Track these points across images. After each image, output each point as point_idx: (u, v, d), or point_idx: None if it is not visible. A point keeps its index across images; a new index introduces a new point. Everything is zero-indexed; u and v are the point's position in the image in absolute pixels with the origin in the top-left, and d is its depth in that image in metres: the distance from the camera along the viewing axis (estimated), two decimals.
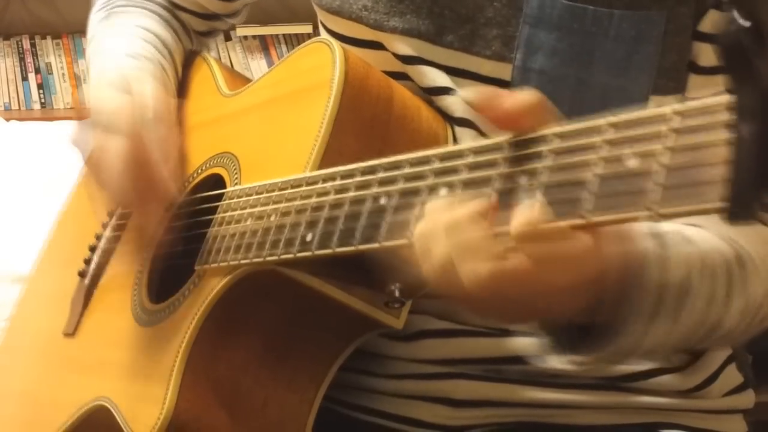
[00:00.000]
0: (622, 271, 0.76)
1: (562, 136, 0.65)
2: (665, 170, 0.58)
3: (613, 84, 0.94)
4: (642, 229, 0.79)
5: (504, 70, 0.96)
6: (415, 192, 0.75)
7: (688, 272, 0.83)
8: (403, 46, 1.00)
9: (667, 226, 0.86)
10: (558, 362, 0.82)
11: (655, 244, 0.80)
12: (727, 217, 0.55)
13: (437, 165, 0.74)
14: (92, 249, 1.19)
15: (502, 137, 0.70)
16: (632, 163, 0.60)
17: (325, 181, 0.84)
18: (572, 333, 0.81)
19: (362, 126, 0.91)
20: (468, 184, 0.70)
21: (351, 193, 0.80)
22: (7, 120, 2.65)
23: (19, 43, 3.14)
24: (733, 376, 1.08)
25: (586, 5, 0.92)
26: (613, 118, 0.62)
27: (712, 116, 0.57)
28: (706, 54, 0.93)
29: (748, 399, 1.09)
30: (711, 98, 0.58)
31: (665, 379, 1.02)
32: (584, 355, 0.81)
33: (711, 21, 0.93)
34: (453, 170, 0.72)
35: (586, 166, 0.62)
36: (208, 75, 1.18)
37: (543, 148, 0.66)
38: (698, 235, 0.88)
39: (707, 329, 0.87)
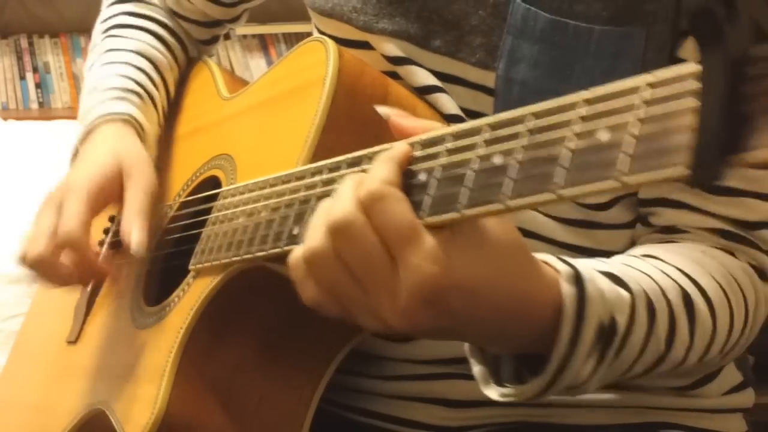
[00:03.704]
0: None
1: (537, 114, 0.66)
2: (634, 140, 0.58)
3: None
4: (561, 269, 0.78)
5: (488, 78, 0.97)
6: None
7: (610, 310, 0.80)
8: (392, 48, 1.00)
9: (614, 265, 0.86)
10: (493, 393, 0.80)
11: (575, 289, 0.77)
12: (689, 182, 0.55)
13: (419, 152, 0.74)
14: None
15: (480, 120, 0.70)
16: (604, 136, 0.60)
17: (313, 174, 0.84)
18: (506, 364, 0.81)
19: (355, 123, 0.91)
20: (447, 168, 0.70)
21: (337, 185, 0.79)
22: (5, 119, 2.64)
23: (17, 42, 3.14)
24: (732, 374, 1.08)
25: (567, 20, 0.93)
26: (586, 94, 0.63)
27: (682, 84, 0.57)
28: None
29: (747, 398, 1.09)
30: (682, 66, 0.58)
31: None
32: (515, 387, 0.79)
33: (688, 50, 0.93)
34: (433, 156, 0.72)
35: (559, 142, 0.63)
36: (209, 80, 1.20)
37: (519, 127, 0.66)
38: (644, 270, 0.87)
39: (648, 364, 0.86)
